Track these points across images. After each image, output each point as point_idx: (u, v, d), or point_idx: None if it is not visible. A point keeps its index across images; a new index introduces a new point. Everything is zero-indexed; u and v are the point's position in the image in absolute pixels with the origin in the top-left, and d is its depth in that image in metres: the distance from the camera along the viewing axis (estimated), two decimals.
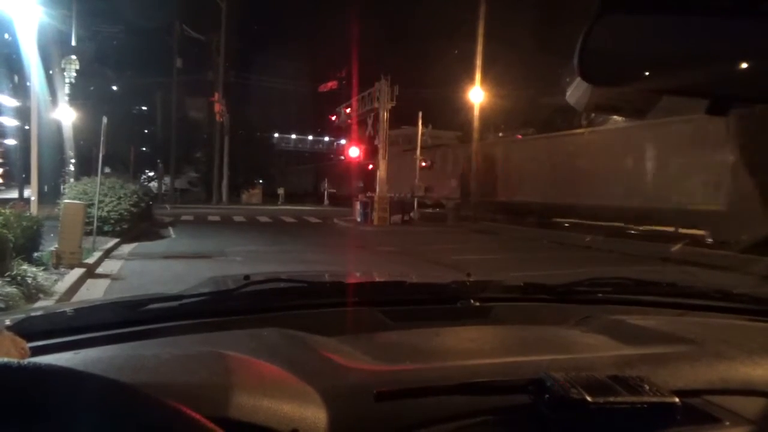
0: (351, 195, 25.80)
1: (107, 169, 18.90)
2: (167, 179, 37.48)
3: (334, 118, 28.66)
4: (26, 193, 21.23)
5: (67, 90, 16.12)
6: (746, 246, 10.21)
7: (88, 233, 9.86)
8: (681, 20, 0.83)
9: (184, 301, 1.34)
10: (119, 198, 12.99)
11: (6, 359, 0.51)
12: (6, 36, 19.89)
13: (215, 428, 0.53)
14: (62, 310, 1.43)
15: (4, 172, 51.18)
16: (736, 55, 0.85)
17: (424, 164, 22.20)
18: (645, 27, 0.85)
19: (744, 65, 0.86)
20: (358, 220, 20.20)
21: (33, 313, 1.42)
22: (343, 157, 47.08)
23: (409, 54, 40.01)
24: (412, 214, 20.95)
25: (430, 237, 16.41)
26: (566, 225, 18.17)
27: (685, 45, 0.85)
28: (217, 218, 21.97)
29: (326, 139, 54.87)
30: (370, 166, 21.29)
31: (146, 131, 38.19)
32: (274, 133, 49.83)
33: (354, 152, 22.81)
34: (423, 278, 2.09)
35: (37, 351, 0.88)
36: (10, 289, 5.56)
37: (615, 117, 13.60)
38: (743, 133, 11.38)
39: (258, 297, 1.44)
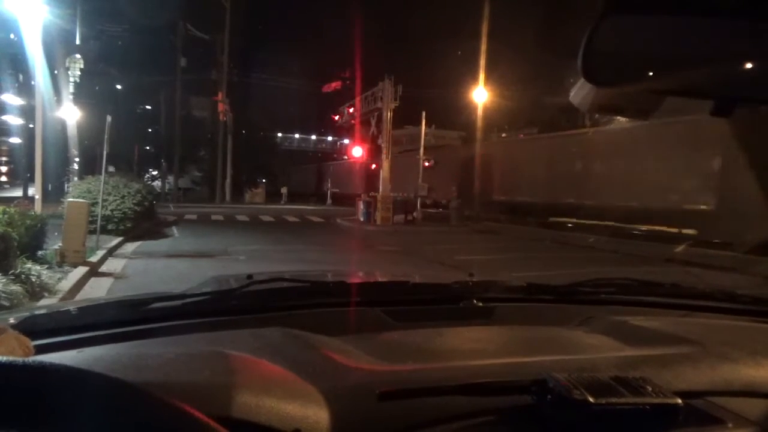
0: (354, 194, 25.79)
1: (111, 168, 18.94)
2: (171, 178, 37.56)
3: (337, 117, 28.62)
4: (30, 191, 21.28)
5: (71, 89, 16.15)
6: (750, 247, 10.17)
7: (92, 232, 9.89)
8: (685, 21, 0.83)
9: (187, 300, 1.34)
10: (123, 197, 13.03)
11: (11, 357, 0.51)
12: (11, 35, 19.93)
13: (218, 427, 0.53)
14: (66, 308, 1.44)
15: (9, 170, 51.41)
16: (740, 55, 0.85)
17: (427, 164, 22.18)
18: (649, 28, 0.85)
19: (748, 66, 0.86)
20: (361, 219, 20.20)
21: (37, 312, 1.42)
22: (346, 157, 47.21)
23: (413, 54, 40.03)
24: (414, 213, 20.95)
25: (432, 237, 16.40)
26: (569, 225, 18.10)
27: (689, 46, 0.85)
28: (220, 217, 22.00)
29: (329, 138, 54.89)
30: (373, 166, 21.22)
31: (150, 130, 38.28)
32: (278, 132, 49.89)
33: (357, 152, 22.61)
34: (426, 278, 2.08)
35: (41, 349, 0.88)
36: (14, 287, 5.58)
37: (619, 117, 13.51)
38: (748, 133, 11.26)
39: (261, 296, 1.44)
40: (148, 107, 38.72)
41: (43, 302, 5.89)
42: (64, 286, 6.83)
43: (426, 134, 23.34)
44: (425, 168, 22.03)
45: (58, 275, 7.29)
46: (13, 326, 0.94)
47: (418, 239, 15.64)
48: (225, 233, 15.96)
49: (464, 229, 18.69)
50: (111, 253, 10.38)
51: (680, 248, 11.70)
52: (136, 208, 13.25)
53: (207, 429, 0.52)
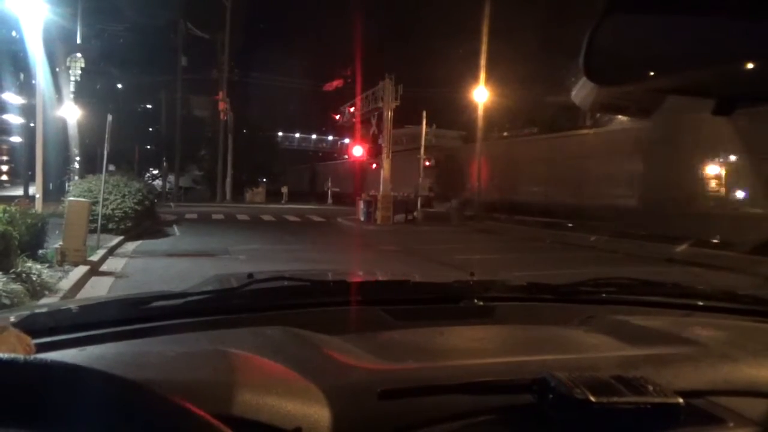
0: (355, 194, 25.77)
1: (112, 167, 18.93)
2: (171, 177, 37.53)
3: (338, 117, 28.62)
4: (31, 190, 21.28)
5: (72, 88, 16.18)
6: (751, 247, 10.15)
7: (93, 231, 9.89)
8: (686, 20, 0.83)
9: (188, 298, 1.34)
10: (123, 196, 13.03)
11: (12, 355, 0.51)
12: (13, 34, 19.95)
13: (220, 425, 0.53)
14: (67, 307, 1.44)
15: (10, 169, 51.46)
16: (741, 54, 0.85)
17: (428, 164, 22.17)
18: (650, 27, 0.85)
19: (749, 65, 0.85)
20: (362, 219, 20.20)
21: (38, 310, 1.43)
22: (347, 156, 47.19)
23: (414, 53, 39.91)
24: (415, 213, 20.94)
25: (433, 236, 16.39)
26: (569, 225, 18.04)
27: (690, 45, 0.85)
28: (221, 216, 22.01)
29: (330, 138, 54.82)
30: (374, 165, 21.22)
31: (151, 129, 38.22)
32: (278, 131, 49.84)
33: (357, 151, 22.49)
34: (426, 277, 2.09)
35: (42, 348, 0.88)
36: (15, 286, 5.59)
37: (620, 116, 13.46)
38: None
39: (262, 295, 1.44)
40: (149, 106, 38.64)
41: (43, 301, 5.89)
42: (65, 285, 6.83)
43: (426, 134, 23.32)
44: (426, 167, 21.99)
45: (59, 274, 7.30)
46: (14, 325, 0.95)
47: (418, 239, 15.65)
48: (226, 232, 15.96)
49: (465, 229, 18.69)
50: (112, 252, 10.39)
51: (680, 248, 11.68)
52: (136, 207, 13.25)
53: (209, 427, 0.52)
